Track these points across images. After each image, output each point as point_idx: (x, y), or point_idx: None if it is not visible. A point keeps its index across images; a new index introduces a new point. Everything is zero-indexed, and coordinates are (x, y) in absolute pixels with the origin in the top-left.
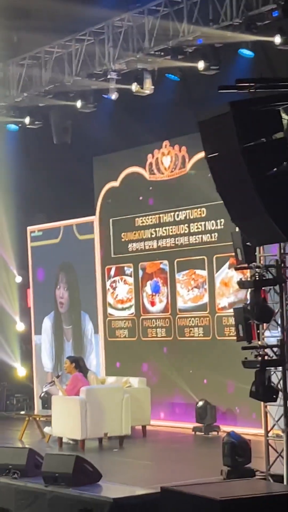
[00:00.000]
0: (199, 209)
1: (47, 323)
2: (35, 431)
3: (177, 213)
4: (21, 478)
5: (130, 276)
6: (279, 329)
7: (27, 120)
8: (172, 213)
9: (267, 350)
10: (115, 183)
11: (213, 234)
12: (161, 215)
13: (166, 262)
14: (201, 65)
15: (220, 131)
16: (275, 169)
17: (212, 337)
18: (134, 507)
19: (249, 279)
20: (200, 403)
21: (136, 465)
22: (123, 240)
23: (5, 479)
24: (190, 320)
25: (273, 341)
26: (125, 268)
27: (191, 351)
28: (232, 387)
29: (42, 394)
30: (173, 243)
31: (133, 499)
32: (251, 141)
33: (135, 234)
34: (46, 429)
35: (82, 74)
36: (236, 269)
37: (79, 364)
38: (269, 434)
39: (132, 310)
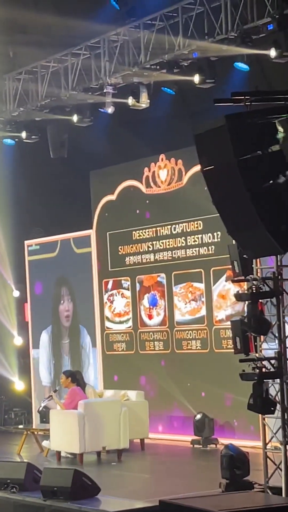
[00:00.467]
0: (195, 222)
1: (44, 337)
2: (33, 445)
3: (174, 226)
4: (20, 492)
5: (128, 289)
6: (277, 341)
7: (23, 134)
8: (169, 226)
9: (265, 363)
10: (112, 197)
11: (210, 247)
12: (158, 228)
13: (163, 275)
14: (196, 78)
15: (216, 144)
16: (271, 181)
17: (209, 349)
18: None
19: (246, 291)
20: (198, 416)
21: (135, 479)
22: (120, 253)
23: (3, 494)
24: (187, 333)
25: (270, 353)
26: (123, 281)
27: (189, 364)
28: (230, 399)
29: (40, 408)
30: (170, 256)
31: None
32: (247, 153)
33: (132, 247)
34: (45, 443)
35: (78, 88)
36: (233, 281)
37: (76, 378)
38: (267, 447)
39: (130, 323)
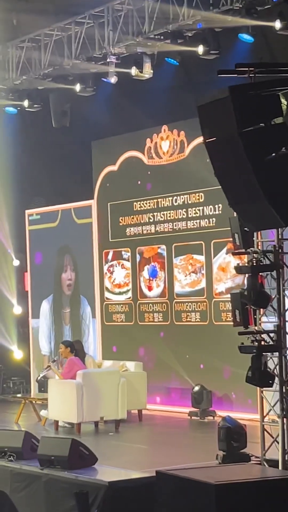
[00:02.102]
0: (197, 194)
1: (45, 306)
2: (31, 414)
3: (175, 198)
4: (17, 460)
5: (128, 260)
6: (276, 314)
7: (26, 103)
8: (170, 198)
9: (264, 336)
10: (114, 167)
11: (211, 219)
12: (159, 200)
13: (163, 246)
14: (200, 49)
15: (219, 116)
16: (273, 154)
17: (209, 322)
18: (129, 490)
19: (246, 264)
20: (196, 388)
21: (132, 449)
22: (121, 224)
23: (1, 462)
24: (187, 305)
25: (269, 326)
26: (123, 252)
27: (187, 336)
28: (229, 372)
29: (39, 378)
30: (171, 228)
31: (129, 483)
32: (250, 125)
33: (133, 218)
34: (42, 412)
35: (82, 57)
36: (234, 254)
37: (75, 348)
38: (264, 420)
39: (129, 294)
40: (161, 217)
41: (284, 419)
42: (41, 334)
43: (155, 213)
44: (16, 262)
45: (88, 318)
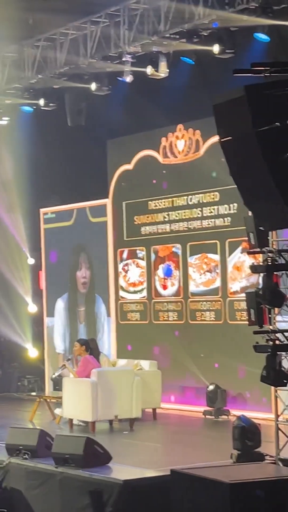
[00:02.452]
0: (212, 193)
1: (60, 304)
2: (46, 412)
3: (190, 197)
4: (32, 458)
5: (143, 259)
6: None
7: (41, 102)
8: (185, 197)
9: (279, 335)
10: (129, 166)
11: (226, 218)
12: (174, 199)
13: (178, 245)
14: (216, 48)
15: (235, 115)
16: None
17: (223, 321)
18: (144, 489)
19: (261, 263)
20: (211, 387)
21: (146, 448)
22: (136, 223)
23: (16, 460)
24: (201, 304)
25: (284, 325)
26: (138, 251)
27: (202, 335)
28: (243, 371)
29: (54, 376)
30: (185, 227)
31: (143, 481)
32: (266, 125)
33: (148, 217)
34: (57, 411)
35: (97, 56)
36: (249, 253)
37: (90, 346)
38: (279, 419)
39: (144, 293)
40: (176, 216)
41: None
42: (56, 333)
43: (170, 212)
44: (31, 261)
45: (103, 316)
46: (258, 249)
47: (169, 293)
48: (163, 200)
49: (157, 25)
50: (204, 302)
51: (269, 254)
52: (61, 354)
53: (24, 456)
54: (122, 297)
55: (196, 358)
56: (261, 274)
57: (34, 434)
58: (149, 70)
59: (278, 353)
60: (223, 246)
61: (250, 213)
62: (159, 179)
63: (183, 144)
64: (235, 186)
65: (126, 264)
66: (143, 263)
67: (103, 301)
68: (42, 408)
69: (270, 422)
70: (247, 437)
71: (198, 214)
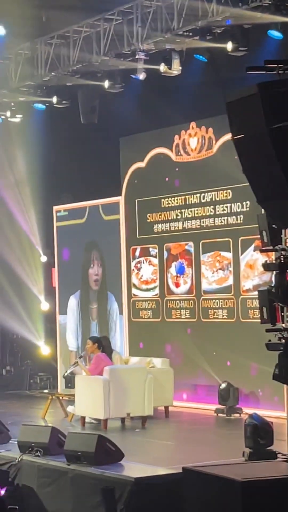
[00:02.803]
0: (225, 191)
1: (72, 302)
2: (58, 410)
3: (203, 194)
4: (44, 456)
5: (155, 257)
6: None
7: (54, 99)
8: (198, 195)
9: None
10: (142, 164)
11: (238, 216)
12: (187, 197)
13: (191, 243)
14: (229, 46)
15: (248, 112)
16: None
17: (236, 319)
18: (156, 486)
19: (274, 261)
20: (223, 385)
21: (158, 446)
22: (148, 221)
23: (28, 457)
24: (214, 302)
25: None
26: (150, 249)
27: (215, 333)
28: (255, 369)
29: (66, 374)
30: (198, 225)
31: (155, 479)
32: (279, 122)
33: (160, 215)
34: (69, 408)
35: (110, 54)
36: (261, 251)
37: (102, 344)
38: None
39: (157, 291)
40: (189, 214)
41: None
42: (69, 330)
43: (183, 210)
44: (44, 258)
45: (115, 314)
46: (271, 247)
47: (181, 291)
48: (176, 197)
49: (170, 22)
50: (217, 300)
51: (282, 252)
52: (74, 351)
53: (36, 454)
54: (135, 295)
55: (208, 356)
56: (274, 272)
57: (46, 431)
58: (162, 67)
59: None
60: (236, 244)
61: (263, 211)
62: (171, 177)
63: (196, 141)
64: (248, 183)
65: (139, 262)
66: (155, 260)
67: (115, 298)
68: (54, 406)
69: (283, 420)
70: (259, 435)
71: (211, 212)
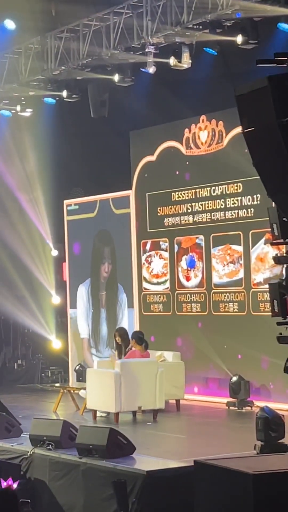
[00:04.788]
0: (235, 184)
1: (82, 289)
2: (69, 403)
3: (213, 188)
4: (56, 449)
5: (166, 250)
6: None
7: (64, 93)
8: (208, 188)
9: None
10: (152, 158)
11: (249, 209)
12: (197, 190)
13: (201, 237)
14: (239, 39)
15: (258, 105)
16: None
17: (247, 312)
18: (167, 480)
19: (285, 254)
20: (234, 378)
21: (170, 439)
22: (159, 214)
23: (39, 450)
24: (225, 295)
25: None
26: (161, 242)
27: (225, 326)
28: (267, 362)
29: (77, 367)
30: (209, 218)
31: (167, 472)
32: None
33: (171, 208)
34: (82, 393)
35: (120, 47)
36: (272, 244)
37: (143, 340)
38: None
39: (167, 284)
40: (199, 207)
41: None
42: (80, 317)
43: (193, 203)
44: (55, 252)
45: (124, 303)
46: (282, 240)
47: (192, 284)
48: (186, 191)
49: (180, 15)
50: (228, 294)
51: None
52: (86, 338)
53: (48, 447)
54: (146, 289)
55: (219, 349)
56: (285, 265)
57: (58, 425)
58: (172, 61)
59: None
60: (247, 237)
61: (273, 204)
62: (182, 171)
63: (206, 135)
64: (258, 177)
65: (149, 256)
66: (166, 254)
67: (124, 290)
68: (66, 399)
69: None
70: (271, 428)
71: (221, 205)
